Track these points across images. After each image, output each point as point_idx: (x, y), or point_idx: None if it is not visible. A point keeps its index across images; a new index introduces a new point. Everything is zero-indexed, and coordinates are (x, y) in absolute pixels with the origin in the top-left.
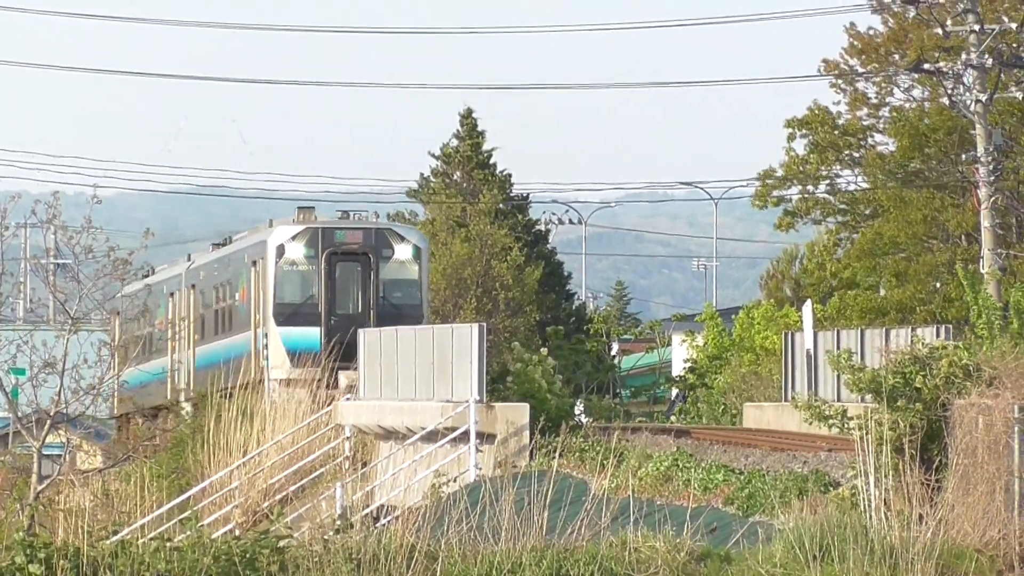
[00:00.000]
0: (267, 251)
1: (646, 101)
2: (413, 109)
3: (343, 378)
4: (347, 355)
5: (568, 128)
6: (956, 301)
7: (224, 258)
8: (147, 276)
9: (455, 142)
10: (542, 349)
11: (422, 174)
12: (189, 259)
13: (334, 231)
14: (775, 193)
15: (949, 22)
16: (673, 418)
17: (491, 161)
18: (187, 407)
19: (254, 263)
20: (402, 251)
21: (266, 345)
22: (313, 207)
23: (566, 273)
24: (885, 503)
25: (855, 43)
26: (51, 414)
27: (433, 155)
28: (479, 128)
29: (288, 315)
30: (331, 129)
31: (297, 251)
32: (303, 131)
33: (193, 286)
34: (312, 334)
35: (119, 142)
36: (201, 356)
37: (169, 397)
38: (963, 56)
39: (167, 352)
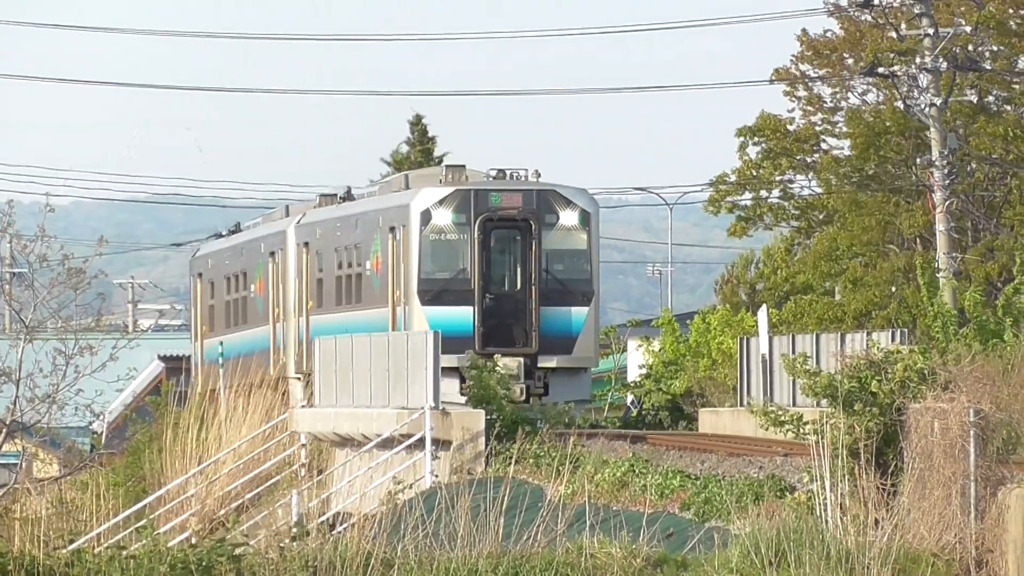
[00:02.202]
0: (409, 217)
1: (600, 106)
2: (366, 114)
3: (501, 366)
4: (505, 339)
5: (521, 133)
6: (913, 306)
7: (350, 218)
8: (235, 231)
9: (405, 148)
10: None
11: (371, 180)
12: (288, 212)
13: (488, 193)
14: (728, 199)
15: (904, 26)
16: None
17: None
18: (298, 385)
19: (391, 229)
20: (568, 216)
21: (408, 326)
22: (463, 165)
23: None
24: (841, 508)
25: (807, 51)
26: (7, 423)
27: (385, 161)
28: (430, 134)
29: (435, 293)
30: (287, 134)
31: (445, 217)
32: (259, 138)
33: (306, 245)
34: (463, 315)
35: (74, 150)
36: (317, 328)
37: (273, 372)
38: (918, 59)
39: (268, 320)
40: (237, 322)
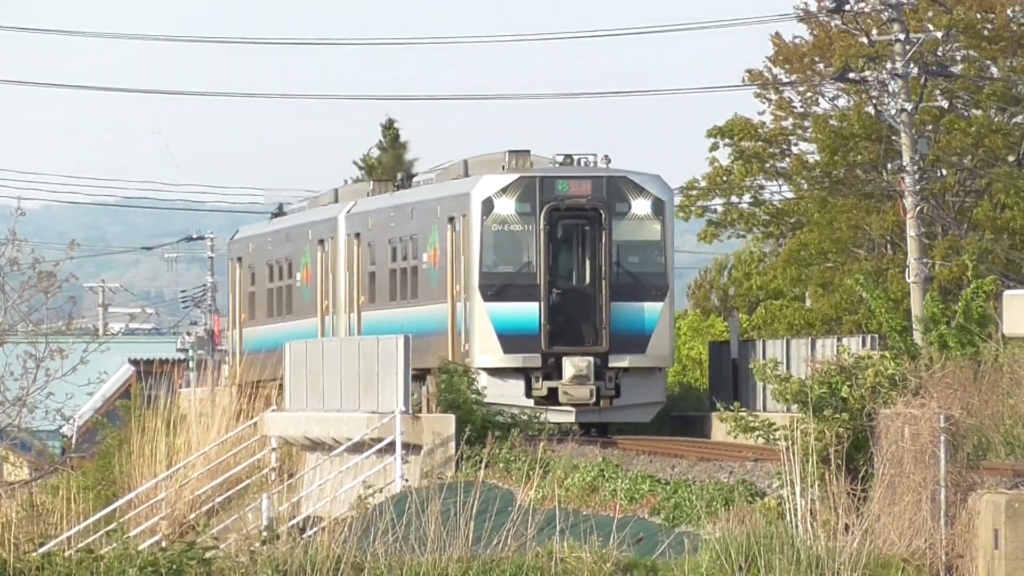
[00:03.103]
0: (470, 206)
1: (569, 110)
2: (338, 118)
3: (569, 366)
4: (573, 337)
5: (491, 138)
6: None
7: (405, 207)
8: (277, 215)
9: (377, 152)
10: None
11: (345, 181)
12: (337, 197)
13: (555, 181)
14: (698, 204)
15: (874, 31)
16: None
17: (414, 171)
18: None
19: (450, 219)
20: (640, 205)
21: (469, 324)
22: (528, 150)
23: None
24: (811, 513)
25: (780, 52)
26: None
27: (357, 165)
28: (401, 139)
29: (498, 288)
30: (257, 139)
31: (508, 206)
32: (229, 142)
33: (357, 235)
34: (528, 312)
35: (43, 154)
36: (370, 323)
37: None
38: (888, 65)
39: (316, 312)
40: (281, 312)
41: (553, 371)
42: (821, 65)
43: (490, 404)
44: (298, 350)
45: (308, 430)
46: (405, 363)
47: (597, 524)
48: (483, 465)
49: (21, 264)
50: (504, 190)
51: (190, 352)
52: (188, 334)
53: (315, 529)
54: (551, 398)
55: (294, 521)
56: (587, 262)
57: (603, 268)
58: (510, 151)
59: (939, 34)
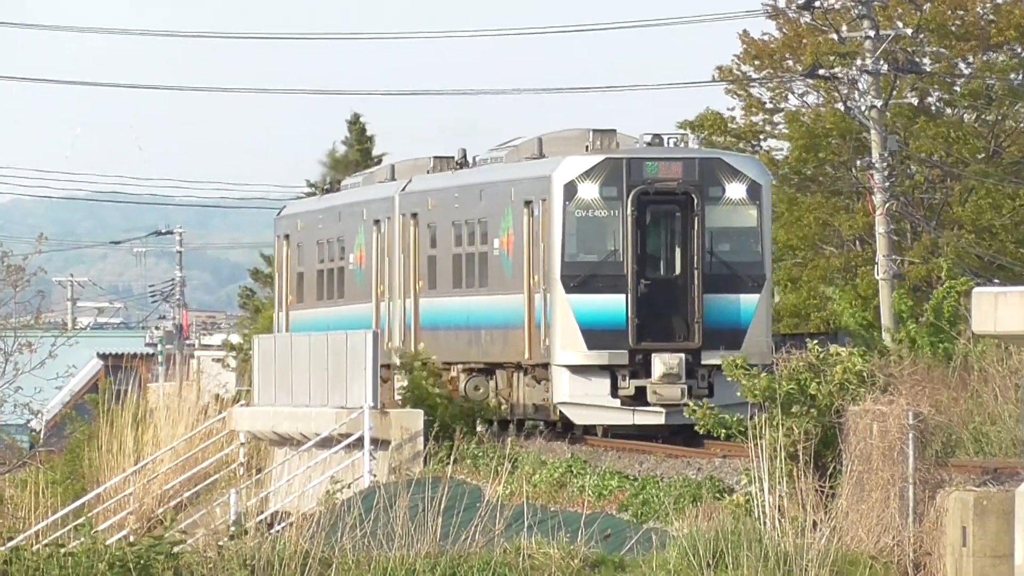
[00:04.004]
0: (551, 189)
1: (539, 106)
2: (306, 113)
3: (659, 363)
4: (663, 332)
5: (461, 134)
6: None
7: (472, 188)
8: (329, 190)
9: (343, 148)
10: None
11: (308, 180)
12: (393, 174)
13: (643, 162)
14: None
15: (844, 28)
16: None
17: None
18: (400, 374)
19: (527, 203)
20: (736, 189)
21: (549, 317)
22: (614, 129)
23: None
24: (779, 510)
25: (749, 49)
26: None
27: (322, 163)
28: (368, 133)
29: (582, 279)
30: (228, 134)
31: (593, 190)
32: (198, 136)
33: (415, 216)
34: (615, 304)
35: (13, 148)
36: (429, 311)
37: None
38: (858, 62)
39: (371, 297)
40: (332, 295)
41: (641, 369)
42: (791, 62)
43: (571, 404)
44: (266, 344)
45: (276, 425)
46: (374, 358)
47: (565, 520)
48: (451, 461)
49: None
50: (588, 173)
51: (159, 347)
52: (157, 328)
53: (283, 524)
54: (639, 398)
55: (262, 516)
56: (678, 251)
57: (695, 257)
58: (594, 129)
59: (909, 31)
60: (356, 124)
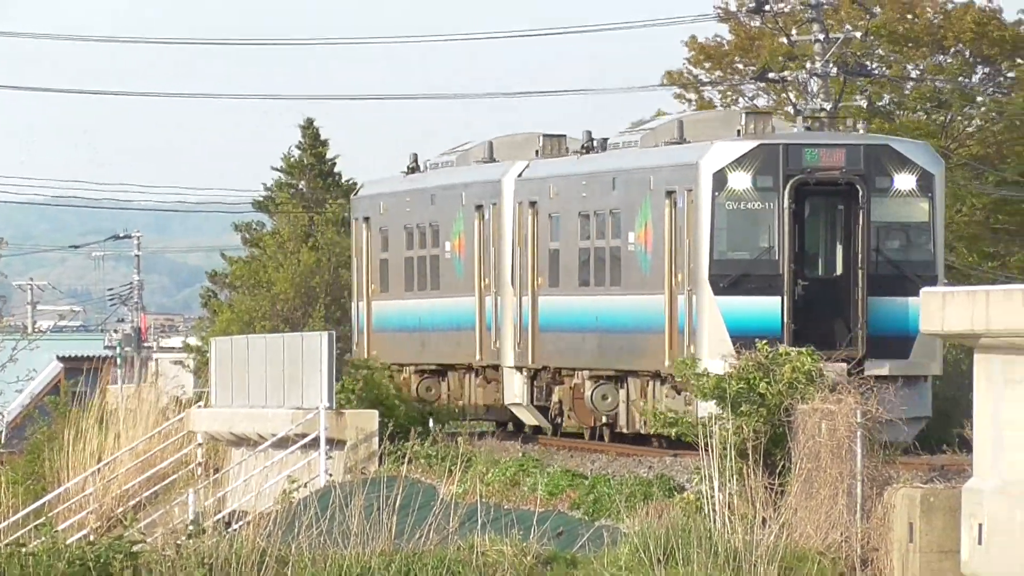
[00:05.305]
0: (698, 179)
1: (491, 111)
2: (260, 118)
3: None
4: (823, 338)
5: (413, 137)
6: None
7: (603, 175)
8: (414, 169)
9: (297, 152)
10: None
11: (264, 184)
12: (492, 153)
13: (802, 149)
14: None
15: (794, 31)
16: None
17: (335, 170)
18: (516, 378)
19: (669, 193)
20: (905, 179)
21: (695, 321)
22: (770, 112)
23: None
24: (729, 507)
25: (698, 55)
26: None
27: (275, 168)
28: (322, 137)
29: (733, 279)
30: (184, 138)
31: (745, 180)
32: (155, 141)
33: (532, 204)
34: (769, 307)
35: None
36: (551, 310)
37: (479, 358)
38: (808, 65)
39: (472, 290)
40: (424, 287)
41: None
42: (741, 65)
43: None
44: (223, 346)
45: (233, 426)
46: (329, 359)
47: (518, 518)
48: (406, 460)
49: None
50: (740, 160)
51: (117, 349)
52: (115, 331)
53: (240, 523)
54: None
55: (219, 515)
56: (840, 248)
57: (860, 255)
58: (747, 112)
59: (858, 35)
60: (309, 129)
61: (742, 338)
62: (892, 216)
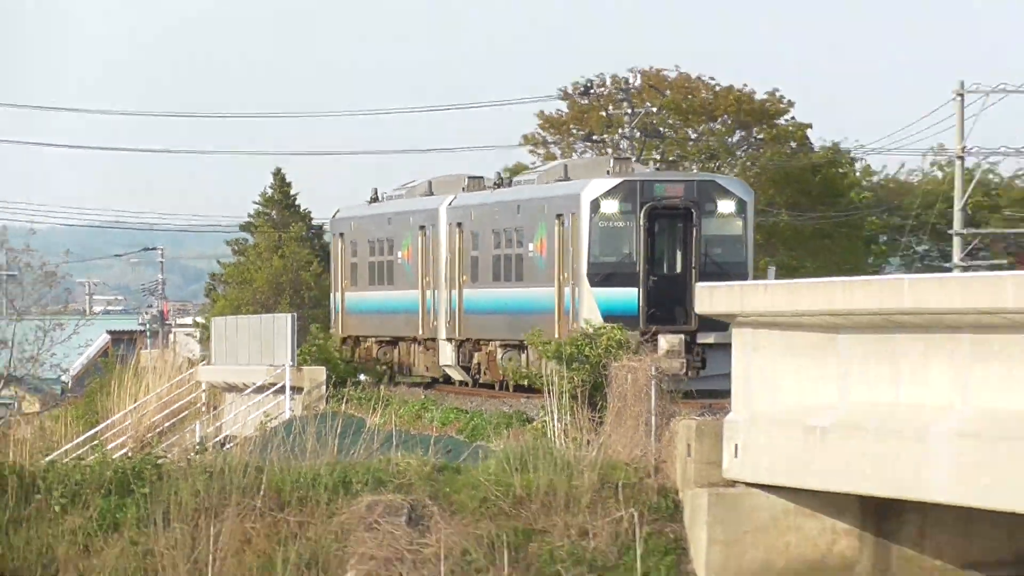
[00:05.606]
0: (579, 206)
1: (393, 165)
2: (244, 167)
3: (663, 342)
4: (667, 317)
5: (366, 175)
6: None
7: (508, 204)
8: (374, 200)
9: (270, 191)
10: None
11: (248, 212)
12: (431, 188)
13: (653, 184)
14: None
15: (611, 107)
16: None
17: (296, 203)
18: (448, 347)
19: (558, 216)
20: (726, 205)
21: (578, 304)
22: (629, 157)
23: None
24: (564, 432)
25: (545, 123)
26: (4, 375)
27: (255, 202)
28: (287, 180)
29: (604, 276)
30: (192, 182)
31: (613, 206)
32: (175, 184)
33: (459, 224)
34: (629, 295)
35: (52, 186)
36: (472, 299)
37: (421, 332)
38: (620, 130)
39: (416, 285)
40: (383, 282)
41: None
42: (575, 130)
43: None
44: (220, 324)
45: (227, 378)
46: (292, 333)
47: (421, 440)
48: (344, 401)
49: (33, 267)
50: (609, 192)
51: (148, 326)
52: (146, 314)
53: (231, 444)
54: None
55: (217, 439)
56: (679, 253)
57: (693, 258)
58: (615, 158)
59: (655, 109)
60: (278, 175)
61: (610, 317)
62: (716, 231)
